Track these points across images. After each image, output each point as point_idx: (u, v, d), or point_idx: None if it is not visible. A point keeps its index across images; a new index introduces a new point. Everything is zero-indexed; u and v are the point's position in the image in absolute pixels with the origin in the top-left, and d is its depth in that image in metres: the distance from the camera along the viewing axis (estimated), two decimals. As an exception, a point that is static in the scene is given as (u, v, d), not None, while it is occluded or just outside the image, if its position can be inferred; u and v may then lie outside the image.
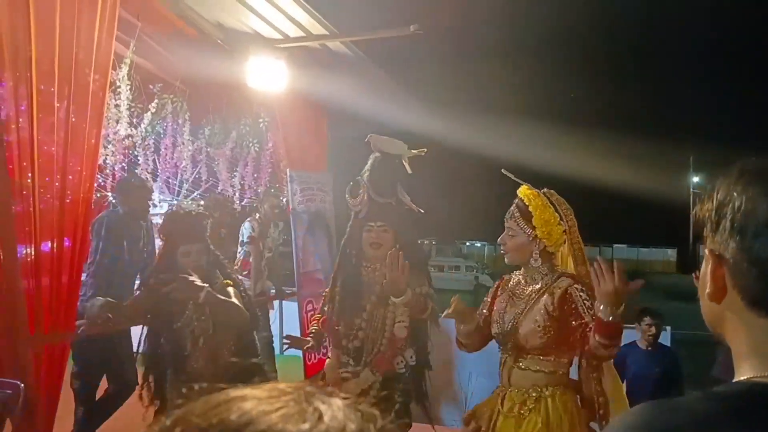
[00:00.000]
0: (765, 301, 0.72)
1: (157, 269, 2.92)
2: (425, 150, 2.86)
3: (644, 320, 4.50)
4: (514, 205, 2.34)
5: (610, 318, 1.91)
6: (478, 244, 39.76)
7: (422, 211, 2.85)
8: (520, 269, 2.41)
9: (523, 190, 2.35)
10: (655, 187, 33.62)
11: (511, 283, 2.43)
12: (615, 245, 40.22)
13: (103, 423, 3.78)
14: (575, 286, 2.21)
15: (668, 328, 5.46)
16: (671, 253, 40.97)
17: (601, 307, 1.91)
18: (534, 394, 2.22)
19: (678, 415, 0.69)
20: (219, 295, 2.70)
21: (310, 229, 5.67)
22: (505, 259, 2.40)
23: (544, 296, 2.24)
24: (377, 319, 2.69)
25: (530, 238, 2.27)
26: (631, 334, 4.53)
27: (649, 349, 4.47)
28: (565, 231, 2.29)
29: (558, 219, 2.27)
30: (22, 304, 2.93)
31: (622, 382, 2.83)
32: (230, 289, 2.82)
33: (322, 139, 6.10)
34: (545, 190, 2.35)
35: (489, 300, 2.52)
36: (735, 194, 0.73)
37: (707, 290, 0.78)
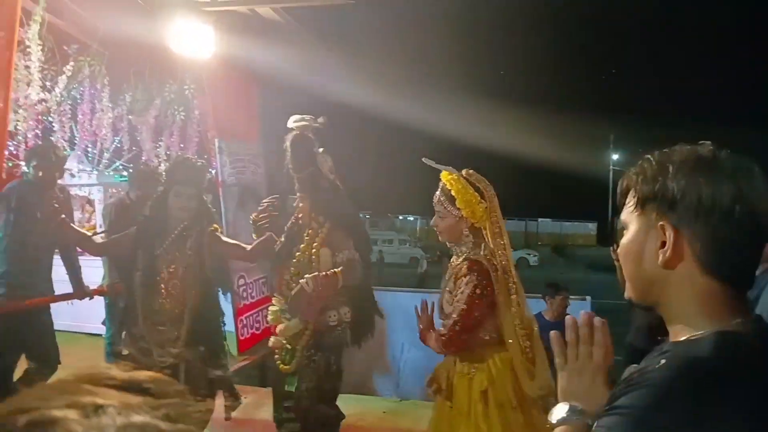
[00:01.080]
0: (720, 268, 0.89)
1: (151, 206, 3.15)
2: (322, 119, 3.00)
3: (560, 294, 4.65)
4: (439, 189, 2.58)
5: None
6: (411, 218, 40.23)
7: (336, 181, 3.04)
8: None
9: (445, 175, 2.57)
10: (577, 163, 34.95)
11: (453, 256, 2.69)
12: (540, 219, 41.74)
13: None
14: (464, 278, 2.46)
15: (588, 298, 5.73)
16: (592, 227, 42.97)
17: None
18: (478, 356, 2.51)
19: (739, 346, 0.85)
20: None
21: (240, 202, 5.52)
22: (440, 239, 2.66)
23: (452, 278, 2.54)
24: (305, 270, 2.88)
25: (457, 218, 2.52)
26: (536, 305, 4.69)
27: (557, 320, 4.63)
28: (486, 208, 2.50)
29: (479, 198, 2.49)
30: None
31: None
32: (220, 234, 3.21)
33: (253, 108, 5.92)
34: (464, 171, 2.56)
35: None
36: (700, 180, 0.88)
37: (663, 257, 0.91)
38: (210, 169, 5.32)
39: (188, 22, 4.51)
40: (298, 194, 3.03)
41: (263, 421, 3.57)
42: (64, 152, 4.02)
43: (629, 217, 0.98)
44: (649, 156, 0.97)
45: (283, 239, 3.07)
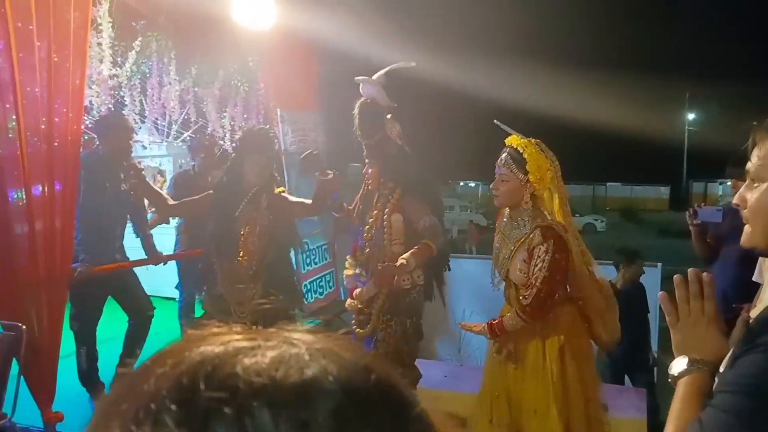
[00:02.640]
0: None
1: (226, 175, 3.30)
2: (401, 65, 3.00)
3: (635, 263, 4.48)
4: (505, 153, 2.56)
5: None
6: (472, 184, 39.75)
7: (405, 147, 3.04)
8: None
9: (515, 139, 2.57)
10: (650, 124, 33.38)
11: (503, 222, 2.69)
12: (608, 183, 40.34)
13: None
14: (541, 246, 2.45)
15: (659, 264, 5.54)
16: (664, 191, 41.17)
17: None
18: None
19: None
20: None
21: (302, 171, 5.62)
22: (496, 203, 2.67)
23: (522, 247, 2.52)
24: (378, 238, 2.97)
25: (522, 183, 2.52)
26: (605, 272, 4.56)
27: (626, 287, 4.49)
28: (552, 177, 2.53)
29: (549, 164, 2.52)
30: (19, 249, 2.93)
31: None
32: (287, 195, 3.39)
33: (312, 77, 5.97)
34: (533, 139, 2.57)
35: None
36: None
37: None
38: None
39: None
40: (366, 161, 3.03)
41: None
42: (132, 123, 4.13)
43: (765, 172, 1.06)
44: None
45: (358, 205, 3.13)
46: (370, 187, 3.05)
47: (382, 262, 2.89)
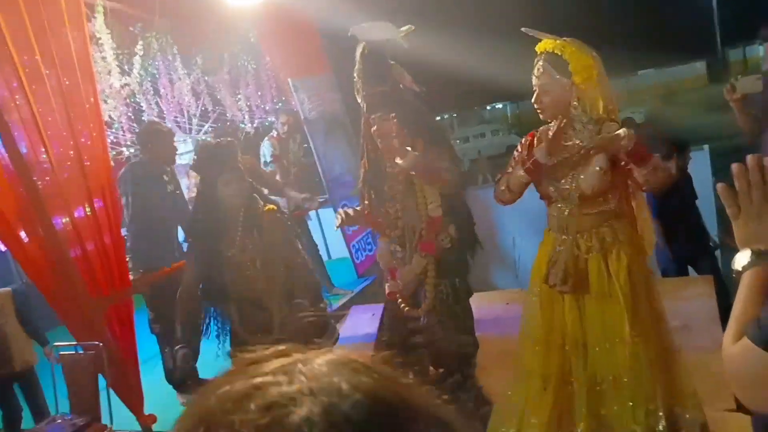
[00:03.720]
0: None
1: (198, 207, 2.94)
2: (412, 27, 2.71)
3: (683, 152, 4.31)
4: (541, 60, 2.30)
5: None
6: (499, 105, 38.75)
7: (423, 88, 2.75)
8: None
9: (548, 43, 2.30)
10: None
11: (550, 134, 2.37)
12: (640, 72, 38.71)
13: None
14: (619, 133, 2.19)
15: (706, 147, 5.36)
16: (700, 66, 39.12)
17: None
18: (607, 230, 2.35)
19: None
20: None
21: (328, 135, 5.63)
22: (543, 117, 2.39)
23: (594, 151, 2.26)
24: (410, 205, 2.72)
25: (566, 88, 2.27)
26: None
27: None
28: (598, 73, 2.26)
29: (592, 60, 2.26)
30: (76, 272, 3.07)
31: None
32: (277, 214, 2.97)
33: (316, 40, 5.88)
34: (567, 38, 2.30)
35: (519, 157, 2.51)
36: None
37: None
38: (292, 108, 5.44)
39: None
40: (373, 116, 2.64)
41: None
42: (169, 128, 4.21)
43: None
44: None
45: (366, 173, 2.80)
46: (387, 145, 2.65)
47: (420, 231, 2.68)
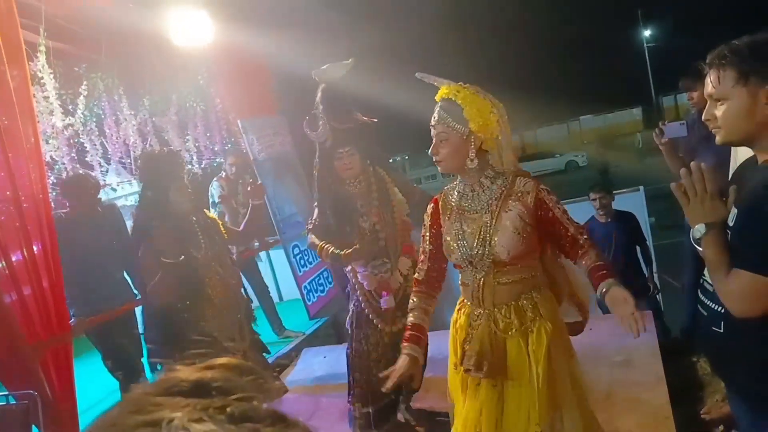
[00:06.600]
0: None
1: (151, 213, 2.98)
2: (351, 60, 3.04)
3: (590, 195, 4.58)
4: (436, 109, 2.10)
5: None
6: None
7: (375, 120, 3.10)
8: (453, 181, 2.25)
9: (444, 90, 2.11)
10: (609, 48, 33.37)
11: (452, 200, 2.20)
12: (581, 118, 40.45)
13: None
14: (542, 188, 2.09)
15: (641, 187, 5.60)
16: (636, 112, 41.32)
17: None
18: (527, 303, 2.12)
19: None
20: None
21: (277, 175, 5.62)
22: (440, 169, 2.20)
23: (514, 203, 2.06)
24: (386, 217, 3.07)
25: (464, 137, 2.04)
26: (587, 208, 4.65)
27: (608, 220, 4.58)
28: (498, 120, 2.05)
29: (490, 107, 2.05)
30: (12, 317, 2.93)
31: None
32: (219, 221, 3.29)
33: (267, 81, 5.93)
34: (463, 84, 2.12)
35: (430, 232, 2.27)
36: None
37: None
38: (240, 150, 5.43)
39: (182, 11, 4.54)
40: (340, 150, 2.99)
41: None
42: (95, 180, 4.13)
43: (728, 92, 1.50)
44: (735, 41, 1.48)
45: (331, 203, 3.09)
46: (350, 173, 3.05)
47: (398, 240, 3.04)
